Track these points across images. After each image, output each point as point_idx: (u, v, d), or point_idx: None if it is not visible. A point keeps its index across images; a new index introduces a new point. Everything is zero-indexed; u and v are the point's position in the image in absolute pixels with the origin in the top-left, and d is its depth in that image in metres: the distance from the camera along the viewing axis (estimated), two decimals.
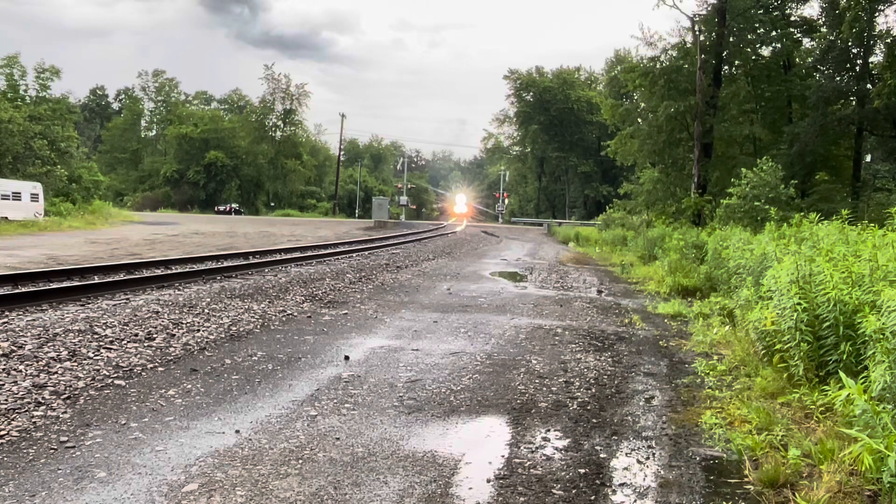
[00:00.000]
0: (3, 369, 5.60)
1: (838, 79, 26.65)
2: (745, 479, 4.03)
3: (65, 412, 4.78)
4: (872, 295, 5.11)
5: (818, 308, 5.48)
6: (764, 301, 6.71)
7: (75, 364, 5.95)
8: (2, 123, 35.17)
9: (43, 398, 5.01)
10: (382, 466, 4.04)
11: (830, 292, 5.36)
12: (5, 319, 7.61)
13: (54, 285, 10.07)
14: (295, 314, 9.21)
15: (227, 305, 9.43)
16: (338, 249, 20.96)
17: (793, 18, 29.35)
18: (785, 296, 5.84)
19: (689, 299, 11.99)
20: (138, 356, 6.40)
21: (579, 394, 5.82)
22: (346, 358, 6.76)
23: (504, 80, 73.52)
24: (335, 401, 5.32)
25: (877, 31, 25.58)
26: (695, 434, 4.85)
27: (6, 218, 29.70)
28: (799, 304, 5.56)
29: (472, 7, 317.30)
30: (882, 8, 24.28)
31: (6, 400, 4.89)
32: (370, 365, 6.55)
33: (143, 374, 5.91)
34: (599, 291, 13.58)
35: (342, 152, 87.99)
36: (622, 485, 3.92)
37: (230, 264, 14.35)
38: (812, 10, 42.17)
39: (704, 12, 27.92)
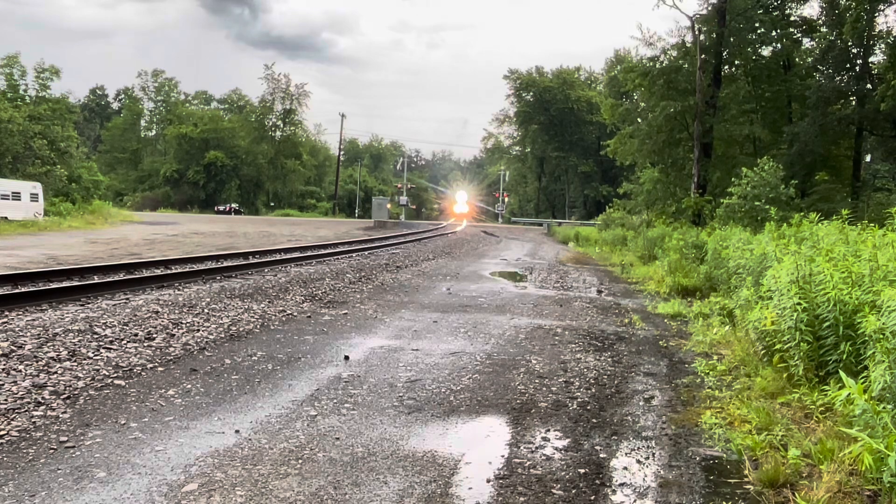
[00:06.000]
0: (3, 369, 5.60)
1: (838, 79, 26.63)
2: (745, 479, 4.03)
3: (64, 412, 4.78)
4: (872, 295, 5.11)
5: (818, 308, 5.48)
6: (764, 301, 6.71)
7: (75, 364, 5.95)
8: (2, 123, 35.18)
9: (43, 398, 5.01)
10: (382, 466, 4.04)
11: (830, 292, 5.36)
12: (5, 319, 7.61)
13: (54, 285, 10.06)
14: (295, 314, 9.21)
15: (227, 305, 9.43)
16: (338, 249, 20.96)
17: (793, 18, 29.32)
18: (785, 296, 5.84)
19: (689, 299, 11.98)
20: (138, 356, 6.40)
21: (579, 394, 5.82)
22: (346, 358, 6.76)
23: (504, 80, 73.61)
24: (335, 401, 5.32)
25: (877, 31, 25.59)
26: (695, 434, 4.85)
27: (6, 218, 29.71)
28: (799, 304, 5.56)
29: (472, 7, 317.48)
30: (882, 8, 24.28)
31: (6, 400, 4.89)
32: (370, 365, 6.55)
33: (143, 373, 5.91)
34: (599, 291, 13.58)
35: (342, 152, 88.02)
36: (622, 485, 3.92)
37: (230, 264, 14.35)
38: (812, 10, 42.20)
39: (704, 12, 27.91)
